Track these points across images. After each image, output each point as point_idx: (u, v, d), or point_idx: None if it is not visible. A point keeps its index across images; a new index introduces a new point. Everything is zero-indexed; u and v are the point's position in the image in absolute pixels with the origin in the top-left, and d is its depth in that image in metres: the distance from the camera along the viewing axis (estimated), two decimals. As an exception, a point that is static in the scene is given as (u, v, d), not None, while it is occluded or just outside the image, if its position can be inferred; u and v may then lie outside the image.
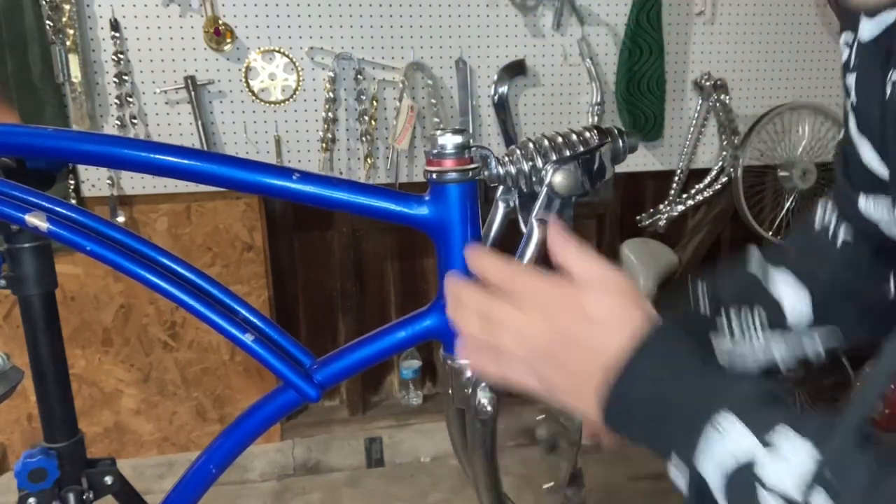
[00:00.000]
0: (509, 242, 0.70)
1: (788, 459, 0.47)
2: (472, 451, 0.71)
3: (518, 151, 0.67)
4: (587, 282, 0.57)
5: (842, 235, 0.77)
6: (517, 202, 0.69)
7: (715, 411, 0.50)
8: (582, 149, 0.68)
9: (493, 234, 0.71)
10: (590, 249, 0.59)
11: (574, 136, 0.68)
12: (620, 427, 0.56)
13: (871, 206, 0.71)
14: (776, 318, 0.77)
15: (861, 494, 0.44)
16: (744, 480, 0.48)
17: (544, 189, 0.65)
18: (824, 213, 0.79)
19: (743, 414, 0.50)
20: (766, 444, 0.48)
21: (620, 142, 0.71)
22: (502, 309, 0.58)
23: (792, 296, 0.76)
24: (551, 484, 0.80)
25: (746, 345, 0.78)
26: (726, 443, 0.49)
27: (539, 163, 0.66)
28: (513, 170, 0.67)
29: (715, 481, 0.50)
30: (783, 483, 0.47)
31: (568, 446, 0.78)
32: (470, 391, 0.68)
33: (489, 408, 0.68)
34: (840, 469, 0.45)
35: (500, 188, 0.70)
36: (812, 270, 0.77)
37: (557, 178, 0.65)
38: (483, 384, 0.68)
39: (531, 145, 0.67)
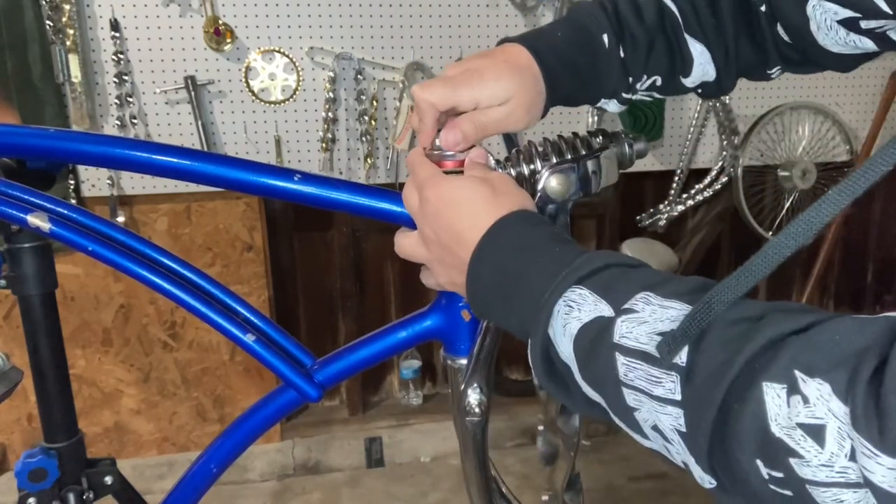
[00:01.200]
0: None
1: (646, 320, 0.46)
2: (463, 452, 0.71)
3: (519, 154, 0.67)
4: (472, 176, 0.62)
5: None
6: None
7: (567, 287, 0.50)
8: (583, 153, 0.67)
9: None
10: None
11: (578, 140, 0.68)
12: (480, 309, 0.59)
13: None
14: (667, 88, 0.74)
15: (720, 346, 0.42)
16: (597, 342, 0.47)
17: (538, 193, 0.65)
18: None
19: (596, 288, 0.49)
20: (623, 311, 0.47)
21: (627, 147, 0.70)
22: (406, 188, 0.65)
23: (699, 72, 0.73)
24: (550, 494, 0.80)
25: (624, 105, 0.75)
26: (581, 313, 0.49)
27: (538, 166, 0.66)
28: (512, 172, 0.67)
29: (565, 348, 0.50)
30: (636, 337, 0.45)
31: (566, 450, 0.78)
32: (461, 392, 0.68)
33: (478, 409, 0.68)
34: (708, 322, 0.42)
35: None
36: (724, 44, 0.72)
37: (551, 183, 0.64)
38: (474, 384, 0.68)
39: (532, 148, 0.67)
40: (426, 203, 0.62)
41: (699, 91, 0.76)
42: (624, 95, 0.73)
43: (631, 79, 0.72)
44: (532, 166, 0.66)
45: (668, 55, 0.72)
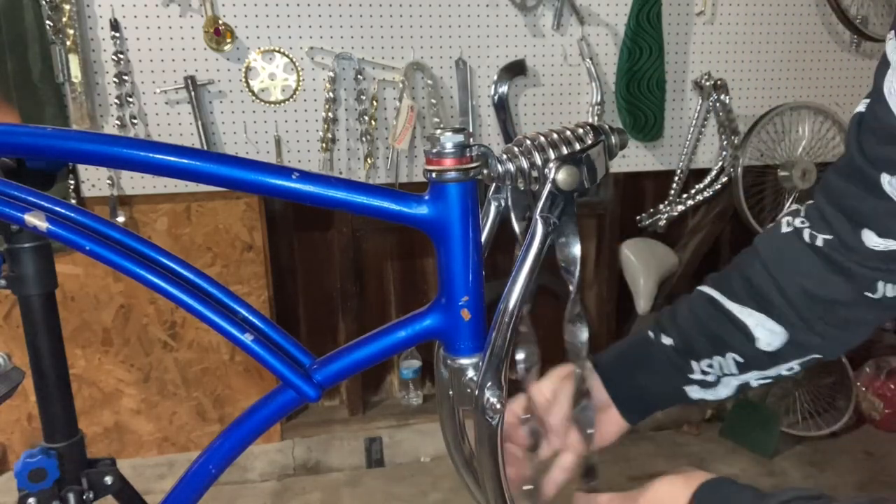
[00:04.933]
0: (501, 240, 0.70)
1: None
2: (479, 451, 0.71)
3: (516, 149, 0.67)
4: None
5: (819, 241, 0.71)
6: (510, 201, 0.69)
7: None
8: (579, 146, 0.67)
9: (485, 233, 0.71)
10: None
11: (569, 134, 0.68)
12: None
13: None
14: (751, 359, 0.76)
15: None
16: None
17: (548, 185, 0.65)
18: (788, 224, 0.75)
19: None
20: None
21: (613, 138, 0.71)
22: None
23: (765, 333, 0.74)
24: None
25: (722, 387, 0.78)
26: None
27: (538, 160, 0.66)
28: (512, 167, 0.66)
29: None
30: None
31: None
32: (476, 391, 0.68)
33: (498, 405, 0.68)
34: None
35: (492, 187, 0.70)
36: (778, 297, 0.73)
37: (561, 175, 0.64)
38: (490, 382, 0.68)
39: (528, 142, 0.67)
40: None
41: (809, 357, 0.76)
42: (699, 379, 0.78)
43: (694, 363, 0.77)
44: (532, 159, 0.66)
45: (724, 331, 0.76)
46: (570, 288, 0.72)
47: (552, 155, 0.66)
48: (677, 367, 0.78)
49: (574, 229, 0.68)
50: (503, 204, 0.70)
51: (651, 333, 0.80)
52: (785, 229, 0.74)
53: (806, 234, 0.72)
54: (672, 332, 0.78)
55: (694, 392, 0.79)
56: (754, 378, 0.77)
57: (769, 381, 0.78)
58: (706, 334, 0.76)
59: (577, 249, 0.69)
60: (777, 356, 0.75)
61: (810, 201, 0.74)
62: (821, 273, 0.71)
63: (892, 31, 0.64)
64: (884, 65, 0.64)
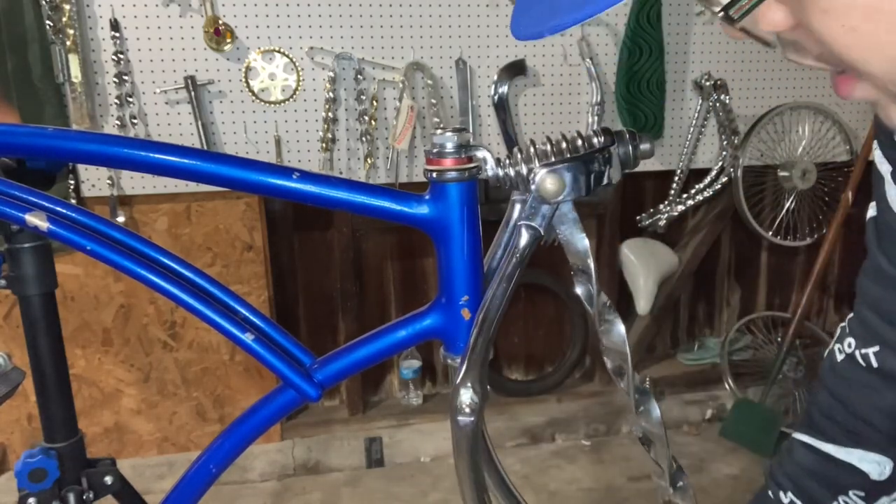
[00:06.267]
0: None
1: None
2: (455, 452, 0.71)
3: (518, 154, 0.66)
4: None
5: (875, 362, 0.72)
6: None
7: None
8: (582, 152, 0.66)
9: (508, 232, 0.71)
10: None
11: (579, 140, 0.66)
12: None
13: None
14: (872, 489, 0.75)
15: None
16: None
17: (531, 194, 0.64)
18: (840, 351, 0.75)
19: None
20: None
21: (631, 147, 0.68)
22: None
23: (875, 468, 0.74)
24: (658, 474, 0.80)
25: None
26: None
27: (524, 169, 0.65)
28: (511, 172, 0.66)
29: None
30: None
31: (658, 445, 0.75)
32: (452, 391, 0.68)
33: (468, 408, 0.67)
34: None
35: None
36: (867, 429, 0.73)
37: (544, 183, 0.63)
38: (467, 383, 0.67)
39: (532, 148, 0.66)
40: None
41: None
42: None
43: None
44: (530, 165, 0.66)
45: (831, 470, 0.75)
46: (591, 288, 0.68)
47: (548, 161, 0.65)
48: None
49: (576, 232, 0.66)
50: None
51: (771, 494, 0.79)
52: (839, 357, 0.75)
53: (859, 357, 0.73)
54: (788, 486, 0.78)
55: None
56: (888, 500, 0.76)
57: None
58: (819, 481, 0.76)
59: (583, 248, 0.67)
60: (894, 481, 0.75)
61: (851, 315, 0.75)
62: (889, 392, 0.71)
63: (876, 141, 0.65)
64: (878, 178, 0.66)
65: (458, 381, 0.67)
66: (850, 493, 0.75)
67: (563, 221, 0.65)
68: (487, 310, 0.66)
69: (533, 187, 0.63)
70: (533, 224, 0.64)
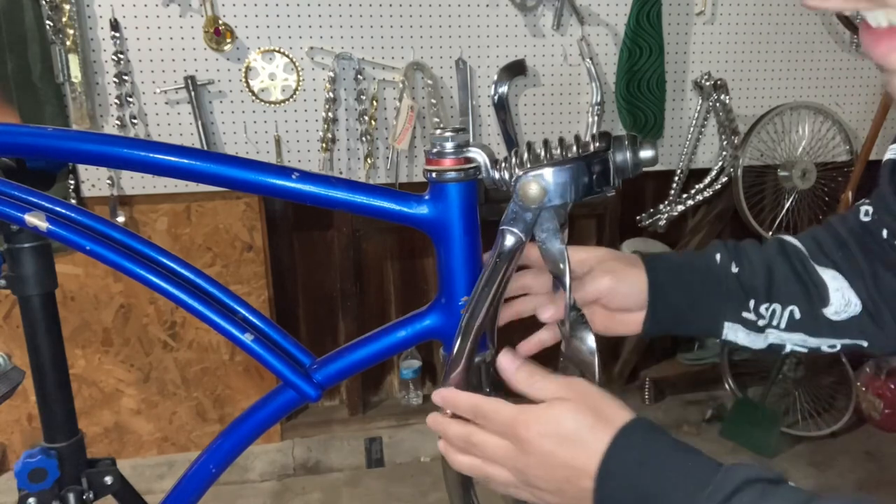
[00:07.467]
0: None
1: None
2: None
3: (514, 157, 0.65)
4: (549, 401, 0.60)
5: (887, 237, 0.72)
6: None
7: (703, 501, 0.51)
8: (572, 157, 0.64)
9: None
10: (535, 369, 0.64)
11: (574, 146, 0.65)
12: None
13: None
14: (809, 320, 0.74)
15: None
16: None
17: (513, 199, 0.63)
18: (866, 213, 0.75)
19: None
20: None
21: (629, 153, 0.63)
22: (478, 435, 0.63)
23: (840, 301, 0.73)
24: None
25: (761, 338, 0.75)
26: None
27: (506, 175, 0.64)
28: (506, 175, 0.65)
29: None
30: None
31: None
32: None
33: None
34: None
35: None
36: (868, 268, 0.72)
37: (524, 188, 0.61)
38: (450, 385, 0.67)
39: (526, 153, 0.65)
40: (526, 445, 0.59)
41: (858, 342, 0.74)
42: (749, 319, 0.74)
43: (752, 301, 0.73)
44: (514, 170, 0.64)
45: (798, 282, 0.73)
46: (563, 299, 0.67)
47: (530, 166, 0.64)
48: (735, 298, 0.74)
49: (552, 239, 0.65)
50: None
51: (718, 256, 0.75)
52: (864, 218, 0.75)
53: (880, 230, 0.73)
54: (742, 263, 0.75)
55: (731, 332, 0.75)
56: (795, 342, 0.75)
57: (803, 351, 0.76)
58: (777, 279, 0.74)
59: (559, 255, 0.65)
60: (835, 328, 0.73)
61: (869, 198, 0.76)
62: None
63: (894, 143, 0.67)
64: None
65: (442, 382, 0.67)
66: (791, 307, 0.74)
67: (542, 228, 0.64)
68: (472, 314, 0.65)
69: (514, 190, 0.62)
70: (514, 229, 0.63)
